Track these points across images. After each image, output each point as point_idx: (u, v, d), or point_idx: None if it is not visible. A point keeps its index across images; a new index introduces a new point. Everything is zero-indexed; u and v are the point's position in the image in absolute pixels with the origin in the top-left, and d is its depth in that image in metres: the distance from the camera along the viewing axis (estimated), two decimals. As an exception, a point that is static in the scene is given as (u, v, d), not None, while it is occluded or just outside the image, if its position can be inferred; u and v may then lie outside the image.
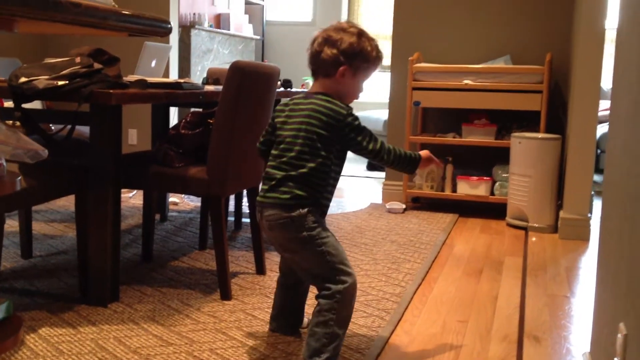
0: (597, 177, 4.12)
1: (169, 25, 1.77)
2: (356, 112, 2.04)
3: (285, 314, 2.18)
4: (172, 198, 4.25)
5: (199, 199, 4.24)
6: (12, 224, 3.40)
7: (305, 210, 1.88)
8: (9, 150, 1.33)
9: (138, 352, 1.99)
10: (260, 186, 1.97)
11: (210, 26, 6.66)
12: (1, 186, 1.30)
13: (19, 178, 1.33)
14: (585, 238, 3.69)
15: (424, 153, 2.09)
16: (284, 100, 2.08)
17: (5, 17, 1.32)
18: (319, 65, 1.97)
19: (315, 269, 1.92)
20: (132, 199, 4.32)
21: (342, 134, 1.92)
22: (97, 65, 2.26)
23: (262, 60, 7.95)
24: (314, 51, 1.97)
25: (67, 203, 4.07)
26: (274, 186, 1.90)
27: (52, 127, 2.79)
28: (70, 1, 1.31)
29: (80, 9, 1.34)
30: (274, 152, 1.95)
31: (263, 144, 2.06)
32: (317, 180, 1.91)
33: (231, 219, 3.69)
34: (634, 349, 1.27)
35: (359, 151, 1.98)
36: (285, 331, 2.17)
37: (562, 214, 3.77)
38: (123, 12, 1.51)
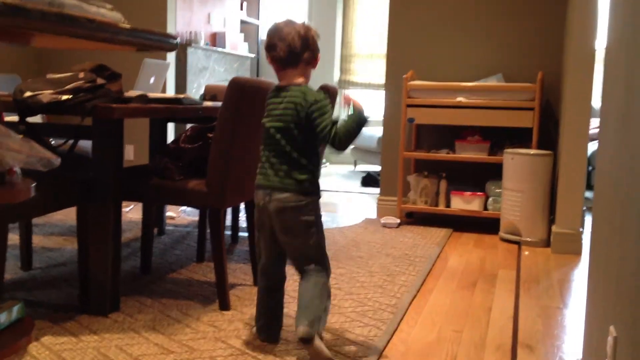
0: (588, 194, 4.19)
1: (176, 41, 1.83)
2: None
3: (271, 320, 2.21)
4: (169, 212, 4.30)
5: (196, 213, 4.29)
6: (11, 237, 3.42)
7: (316, 196, 2.09)
8: (23, 159, 1.38)
9: (139, 359, 2.02)
10: (267, 171, 2.07)
11: (207, 44, 6.75)
12: (17, 193, 1.35)
13: (34, 185, 1.37)
14: (577, 252, 3.75)
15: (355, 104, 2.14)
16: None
17: (24, 32, 1.38)
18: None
19: (312, 251, 2.10)
20: (129, 213, 4.36)
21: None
22: (100, 81, 2.32)
23: (258, 77, 8.04)
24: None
25: (65, 217, 4.10)
26: (287, 171, 2.04)
27: (52, 141, 2.84)
28: (86, 17, 1.37)
29: (95, 25, 1.39)
30: (269, 140, 2.09)
31: None
32: (318, 167, 2.12)
33: (228, 232, 3.73)
34: (624, 351, 1.32)
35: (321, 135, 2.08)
36: (275, 338, 2.20)
37: (554, 228, 3.83)
38: (133, 27, 1.57)
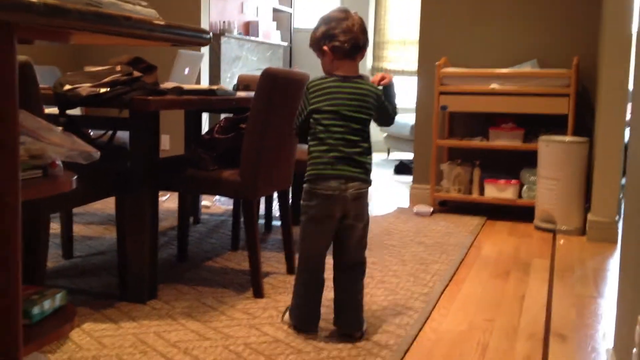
0: (625, 181, 4.12)
1: (209, 36, 1.87)
2: None
3: (317, 312, 2.25)
4: (204, 202, 4.37)
5: (230, 202, 4.35)
6: (52, 226, 3.53)
7: (369, 184, 2.18)
8: (64, 152, 1.43)
9: (177, 345, 2.08)
10: (329, 160, 2.10)
11: (240, 34, 6.80)
12: (59, 185, 1.40)
13: (75, 177, 1.43)
14: (613, 240, 3.71)
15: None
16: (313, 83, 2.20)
17: (63, 31, 1.43)
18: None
19: (364, 240, 2.23)
20: (165, 202, 4.44)
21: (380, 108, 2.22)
22: (136, 73, 2.38)
23: (290, 66, 8.07)
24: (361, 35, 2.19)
25: (103, 206, 4.20)
26: (355, 162, 2.12)
27: (91, 133, 2.92)
28: (123, 15, 1.41)
29: (131, 22, 1.44)
30: (340, 129, 2.12)
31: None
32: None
33: (262, 221, 3.78)
34: (653, 340, 1.32)
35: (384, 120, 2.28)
36: (317, 328, 2.25)
37: (590, 216, 3.79)
38: (167, 24, 1.61)
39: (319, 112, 2.14)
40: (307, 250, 2.19)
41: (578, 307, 2.61)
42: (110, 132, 2.65)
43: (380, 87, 2.24)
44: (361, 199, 2.14)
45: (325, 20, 2.17)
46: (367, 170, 2.15)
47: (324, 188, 2.09)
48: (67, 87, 2.27)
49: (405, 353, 2.10)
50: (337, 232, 2.17)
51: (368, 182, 2.16)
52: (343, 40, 2.12)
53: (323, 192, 2.09)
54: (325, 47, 2.15)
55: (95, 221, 3.86)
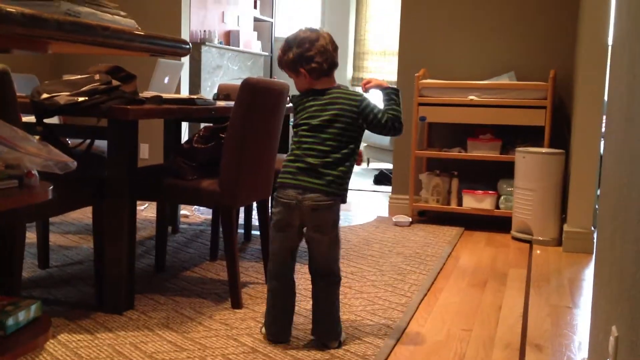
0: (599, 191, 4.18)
1: (188, 46, 1.87)
2: None
3: (287, 321, 2.25)
4: (183, 211, 4.35)
5: (209, 212, 4.34)
6: (28, 235, 3.49)
7: (339, 197, 2.17)
8: (41, 162, 1.42)
9: (153, 357, 2.07)
10: (292, 170, 2.14)
11: (220, 43, 6.80)
12: (35, 195, 1.39)
13: (51, 187, 1.42)
14: (588, 251, 3.76)
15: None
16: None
17: (42, 40, 1.42)
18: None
19: (332, 253, 2.20)
20: (143, 211, 4.42)
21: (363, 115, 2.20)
22: (115, 82, 2.37)
23: (271, 76, 8.08)
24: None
25: (81, 216, 4.17)
26: (316, 173, 2.12)
27: (69, 141, 2.90)
28: (101, 25, 1.41)
29: (109, 32, 1.44)
30: (309, 139, 2.15)
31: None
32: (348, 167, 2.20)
33: (241, 231, 3.78)
34: (624, 350, 1.34)
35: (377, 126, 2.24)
36: (288, 338, 2.26)
37: (566, 227, 3.83)
38: (147, 34, 1.61)
39: (297, 126, 2.21)
40: (273, 255, 2.23)
41: (554, 317, 2.64)
42: (88, 141, 2.64)
43: (363, 94, 2.25)
44: (320, 211, 2.12)
45: (298, 43, 2.17)
46: (331, 182, 2.12)
47: (283, 196, 2.15)
48: (45, 95, 2.26)
49: (383, 363, 2.11)
50: (306, 241, 2.20)
51: (331, 195, 2.12)
52: (320, 61, 2.15)
53: (282, 200, 2.15)
54: (302, 70, 2.17)
55: (72, 230, 3.83)
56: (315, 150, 2.13)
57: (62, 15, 1.31)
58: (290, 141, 2.42)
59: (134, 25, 1.60)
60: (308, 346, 2.20)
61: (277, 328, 2.23)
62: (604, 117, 3.91)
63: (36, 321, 1.56)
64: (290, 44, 2.19)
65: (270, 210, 2.99)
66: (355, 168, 2.26)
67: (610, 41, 3.68)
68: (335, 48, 2.20)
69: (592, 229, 3.81)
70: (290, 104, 3.78)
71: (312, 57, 2.15)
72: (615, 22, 1.83)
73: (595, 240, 3.44)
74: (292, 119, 2.28)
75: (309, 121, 2.16)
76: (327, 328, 2.22)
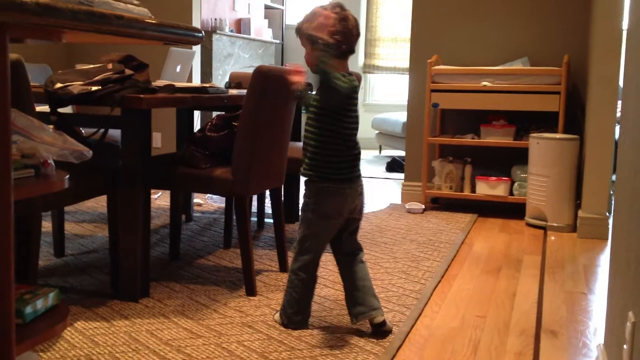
0: (615, 177, 4.15)
1: (201, 34, 1.87)
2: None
3: (310, 309, 2.28)
4: (197, 199, 4.37)
5: (222, 200, 4.35)
6: (44, 224, 3.52)
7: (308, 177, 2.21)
8: (56, 151, 1.43)
9: (169, 343, 2.09)
10: (349, 162, 2.17)
11: (231, 31, 6.79)
12: (51, 184, 1.40)
13: (67, 177, 1.43)
14: (603, 237, 3.74)
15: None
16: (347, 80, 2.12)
17: (56, 30, 1.43)
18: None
19: (300, 229, 2.22)
20: (157, 200, 4.44)
21: None
22: (128, 71, 2.37)
23: (282, 64, 8.06)
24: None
25: (96, 204, 4.20)
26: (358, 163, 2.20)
27: (82, 131, 2.91)
28: (115, 14, 1.41)
29: (123, 21, 1.44)
30: (353, 132, 2.17)
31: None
32: None
33: (254, 219, 3.79)
34: (642, 336, 1.34)
35: None
36: (308, 324, 2.27)
37: (580, 213, 3.81)
38: (160, 22, 1.61)
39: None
40: (315, 245, 2.23)
41: (569, 303, 2.63)
42: (101, 130, 2.65)
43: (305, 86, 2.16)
44: (363, 195, 2.24)
45: (326, 16, 2.12)
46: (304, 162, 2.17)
47: (345, 189, 2.21)
48: (59, 85, 2.27)
49: (398, 350, 2.11)
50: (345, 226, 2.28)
51: (305, 175, 2.18)
52: (341, 41, 2.11)
53: (344, 192, 2.21)
54: (342, 47, 2.11)
55: (87, 219, 3.85)
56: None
57: (76, 4, 1.31)
58: (302, 128, 2.39)
59: (147, 14, 1.60)
60: (323, 334, 2.21)
61: (303, 317, 2.25)
62: (619, 102, 3.88)
63: (54, 309, 1.57)
64: (318, 13, 2.12)
65: (282, 199, 3.01)
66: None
67: (625, 25, 3.64)
68: (358, 34, 2.16)
69: (607, 214, 3.79)
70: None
71: (340, 32, 2.10)
72: (631, 5, 1.81)
73: (610, 226, 3.41)
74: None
75: (356, 114, 2.19)
76: (373, 297, 2.23)
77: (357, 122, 2.19)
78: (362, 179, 2.25)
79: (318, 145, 2.13)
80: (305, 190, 2.19)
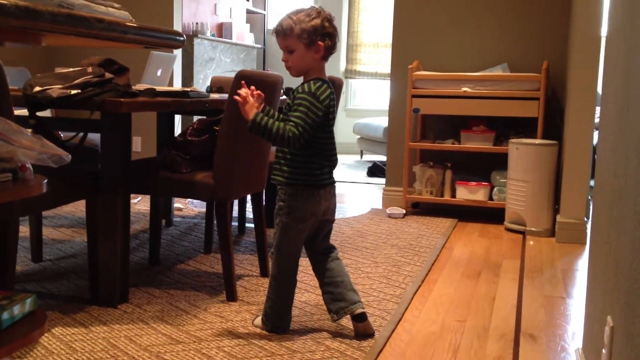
0: (593, 182, 4.20)
1: (183, 38, 1.86)
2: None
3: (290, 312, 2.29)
4: (177, 204, 4.34)
5: (203, 204, 4.33)
6: (21, 229, 3.47)
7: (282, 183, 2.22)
8: (35, 155, 1.41)
9: (148, 349, 2.07)
10: (328, 170, 2.20)
11: (213, 35, 6.77)
12: (29, 189, 1.39)
13: (46, 181, 1.41)
14: (581, 241, 3.78)
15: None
16: (324, 89, 2.13)
17: (35, 32, 1.41)
18: None
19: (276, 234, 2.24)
20: (137, 204, 4.40)
21: None
22: (108, 75, 2.36)
23: (264, 68, 8.05)
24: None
25: (74, 209, 4.15)
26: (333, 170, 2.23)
27: (62, 135, 2.88)
28: (95, 17, 1.40)
29: (104, 24, 1.43)
30: (331, 139, 2.18)
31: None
32: None
33: (235, 223, 3.77)
34: (620, 341, 1.35)
35: None
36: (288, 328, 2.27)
37: (559, 218, 3.85)
38: (141, 26, 1.60)
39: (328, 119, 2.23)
40: (293, 251, 2.24)
41: (547, 307, 2.65)
42: (81, 134, 2.62)
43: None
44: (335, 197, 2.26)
45: (323, 17, 2.09)
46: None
47: (321, 193, 2.23)
48: (38, 88, 2.25)
49: (379, 354, 2.11)
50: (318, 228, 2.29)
51: (278, 182, 2.18)
52: (333, 43, 2.12)
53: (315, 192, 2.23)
54: (320, 43, 2.09)
55: (65, 224, 3.81)
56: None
57: (56, 7, 1.30)
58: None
59: (128, 17, 1.59)
60: (303, 339, 2.20)
61: (284, 322, 2.25)
62: (597, 108, 3.93)
63: (31, 315, 1.55)
64: (310, 14, 2.08)
65: (264, 203, 3.00)
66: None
67: (603, 33, 3.69)
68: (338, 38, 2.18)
69: (585, 219, 3.83)
70: (284, 96, 3.78)
71: (331, 34, 2.10)
72: (610, 12, 1.83)
73: (589, 231, 3.45)
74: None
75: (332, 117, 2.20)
76: (352, 291, 2.23)
77: (333, 133, 2.21)
78: (337, 183, 2.28)
79: (294, 159, 2.14)
80: (278, 194, 2.19)
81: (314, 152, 2.14)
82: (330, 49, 2.12)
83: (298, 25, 2.08)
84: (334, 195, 2.24)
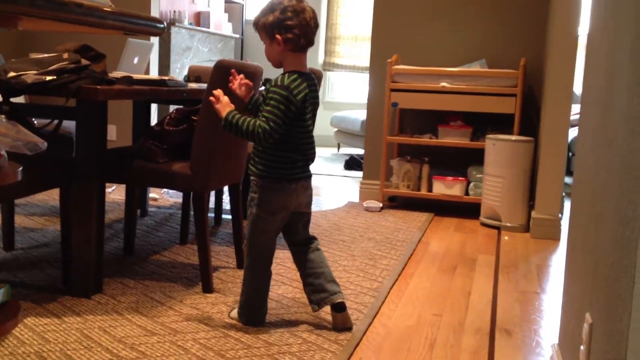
0: (567, 179, 4.25)
1: (163, 25, 1.83)
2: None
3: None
4: (152, 194, 4.29)
5: (179, 195, 4.29)
6: (-8, 217, 3.41)
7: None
8: (9, 142, 1.37)
9: (123, 341, 2.04)
10: (302, 164, 2.17)
11: (190, 24, 6.69)
12: (4, 177, 1.35)
13: (20, 169, 1.37)
14: (555, 237, 3.82)
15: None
16: (298, 82, 2.10)
17: (12, 16, 1.37)
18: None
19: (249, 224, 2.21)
20: (112, 194, 4.34)
21: None
22: (84, 61, 2.31)
23: (242, 58, 7.99)
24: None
25: (47, 197, 4.08)
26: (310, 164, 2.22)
27: (35, 122, 2.82)
28: (74, 2, 1.37)
29: (83, 9, 1.39)
30: (308, 133, 2.16)
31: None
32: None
33: (211, 214, 3.74)
34: (598, 337, 1.36)
35: None
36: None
37: (533, 214, 3.88)
38: (121, 12, 1.57)
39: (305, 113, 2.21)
40: (269, 241, 2.23)
41: (522, 302, 2.68)
42: (55, 121, 2.57)
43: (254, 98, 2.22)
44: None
45: (282, 9, 2.07)
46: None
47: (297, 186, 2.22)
48: (12, 74, 2.19)
49: (355, 348, 2.11)
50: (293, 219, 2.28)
51: (255, 174, 2.17)
52: (298, 34, 2.08)
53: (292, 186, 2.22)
54: (278, 36, 2.08)
55: (38, 212, 3.75)
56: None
57: (34, -10, 1.27)
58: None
59: (108, 3, 1.55)
60: (280, 331, 2.19)
61: (260, 314, 2.24)
62: (573, 105, 3.96)
63: (5, 306, 1.51)
64: (273, 7, 2.08)
65: (240, 195, 2.97)
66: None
67: (579, 32, 3.72)
68: (316, 26, 2.12)
69: (560, 216, 3.87)
70: (263, 87, 3.75)
71: (292, 26, 2.07)
72: (592, 11, 1.84)
73: (566, 228, 3.49)
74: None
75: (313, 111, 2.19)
76: (332, 282, 2.23)
77: (310, 127, 2.19)
78: (314, 176, 2.27)
79: (267, 153, 2.13)
80: (251, 185, 2.17)
81: (288, 146, 2.12)
82: (295, 41, 2.08)
83: (262, 19, 2.12)
84: (308, 188, 2.21)
